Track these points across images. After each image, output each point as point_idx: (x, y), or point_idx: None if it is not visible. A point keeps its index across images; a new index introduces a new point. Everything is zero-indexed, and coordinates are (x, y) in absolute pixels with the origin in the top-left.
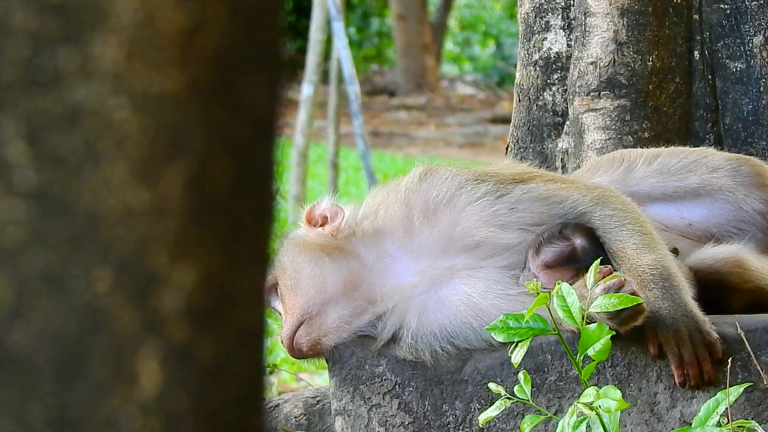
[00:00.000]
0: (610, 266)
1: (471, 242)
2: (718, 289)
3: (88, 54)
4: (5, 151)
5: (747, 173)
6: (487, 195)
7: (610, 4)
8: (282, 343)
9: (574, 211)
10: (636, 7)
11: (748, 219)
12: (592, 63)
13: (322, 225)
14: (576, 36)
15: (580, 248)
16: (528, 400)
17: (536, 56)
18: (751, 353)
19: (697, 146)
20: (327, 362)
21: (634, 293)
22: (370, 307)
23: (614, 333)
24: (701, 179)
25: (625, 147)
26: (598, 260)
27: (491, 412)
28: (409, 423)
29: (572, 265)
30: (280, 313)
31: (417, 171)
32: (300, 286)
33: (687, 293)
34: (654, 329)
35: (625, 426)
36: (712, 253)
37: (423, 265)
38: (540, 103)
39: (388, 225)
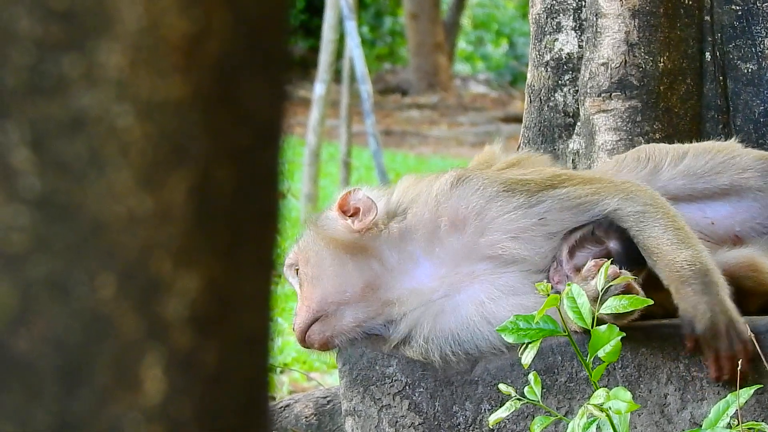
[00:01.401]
0: (615, 267)
1: (494, 252)
2: (733, 293)
3: (93, 61)
4: (10, 157)
5: None
6: (516, 209)
7: (621, 5)
8: (294, 331)
9: (604, 212)
10: (647, 8)
11: None
12: (603, 64)
13: (353, 215)
14: (587, 37)
15: (613, 251)
16: (538, 401)
17: (547, 57)
18: (761, 355)
19: None
20: (337, 362)
21: (627, 289)
22: (385, 309)
23: (624, 334)
24: (731, 180)
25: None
26: (608, 261)
27: (501, 413)
28: (419, 424)
29: None
30: (294, 288)
31: (450, 177)
32: (320, 281)
33: (724, 290)
34: (692, 324)
35: (635, 427)
36: (726, 258)
37: (444, 271)
38: (551, 103)
39: (414, 229)
